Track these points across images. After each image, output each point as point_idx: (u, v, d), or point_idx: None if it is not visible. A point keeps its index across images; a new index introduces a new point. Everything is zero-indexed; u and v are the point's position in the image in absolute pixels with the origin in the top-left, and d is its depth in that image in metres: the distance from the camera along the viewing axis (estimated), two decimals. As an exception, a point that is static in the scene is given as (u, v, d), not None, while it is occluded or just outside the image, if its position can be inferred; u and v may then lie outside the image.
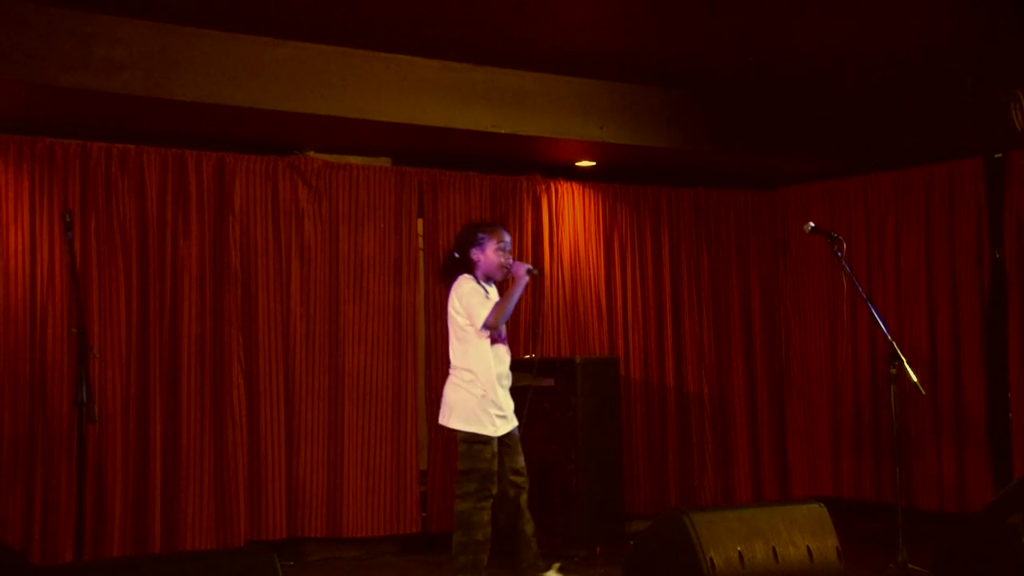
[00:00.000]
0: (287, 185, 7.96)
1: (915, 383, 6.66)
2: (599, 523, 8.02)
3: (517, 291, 6.40)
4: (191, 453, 7.52)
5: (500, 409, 6.47)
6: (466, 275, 6.51)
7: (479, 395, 6.43)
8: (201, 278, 7.64)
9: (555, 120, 8.11)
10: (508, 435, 6.52)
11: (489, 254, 6.51)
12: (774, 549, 5.52)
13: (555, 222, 8.86)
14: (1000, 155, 8.42)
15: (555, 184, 8.90)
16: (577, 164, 8.95)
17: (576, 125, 8.20)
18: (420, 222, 8.48)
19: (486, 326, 6.38)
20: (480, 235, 6.54)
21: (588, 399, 8.05)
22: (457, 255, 6.58)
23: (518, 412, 6.67)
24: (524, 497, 6.58)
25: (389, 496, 8.12)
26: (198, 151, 7.70)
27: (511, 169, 8.75)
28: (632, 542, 6.29)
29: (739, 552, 5.40)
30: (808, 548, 5.62)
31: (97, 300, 7.31)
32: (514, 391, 6.66)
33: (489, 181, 8.67)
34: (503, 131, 7.94)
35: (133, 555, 7.23)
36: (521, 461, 6.58)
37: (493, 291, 6.58)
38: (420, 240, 8.48)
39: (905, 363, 6.63)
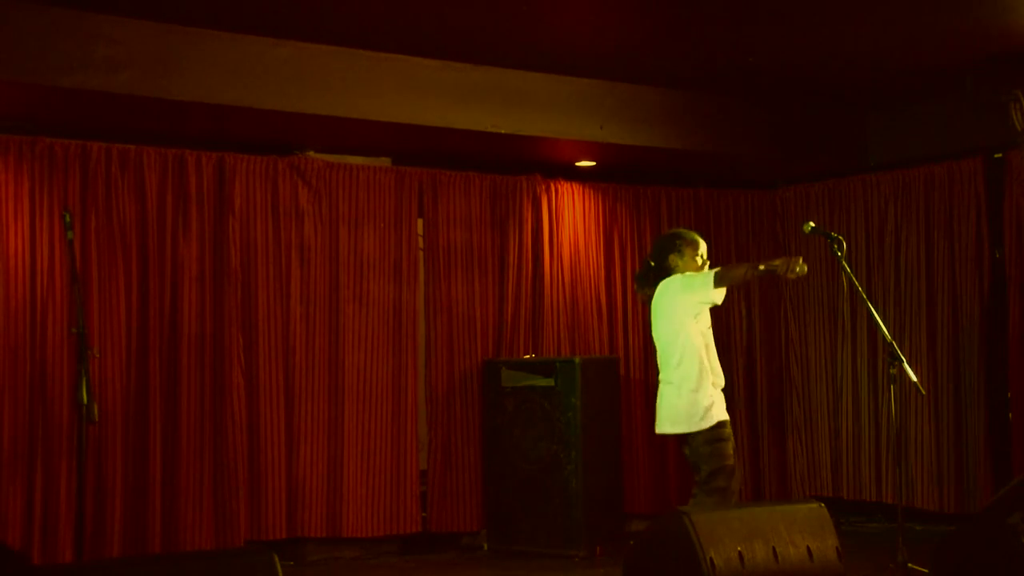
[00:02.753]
0: (287, 185, 7.96)
1: (915, 383, 6.65)
2: (599, 523, 8.02)
3: (752, 267, 6.31)
4: (191, 453, 7.52)
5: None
6: (670, 277, 6.47)
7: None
8: (201, 278, 7.64)
9: (555, 120, 8.12)
10: None
11: (688, 261, 6.47)
12: (774, 549, 5.51)
13: (555, 222, 8.85)
14: (1000, 155, 8.41)
15: (555, 184, 8.90)
16: (577, 164, 8.95)
17: (576, 125, 8.20)
18: (420, 222, 8.48)
19: (718, 283, 6.25)
20: (679, 241, 6.53)
21: (588, 399, 8.04)
22: (653, 263, 6.57)
23: None
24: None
25: (389, 496, 8.12)
26: (198, 151, 7.70)
27: (511, 169, 8.75)
28: (632, 542, 6.29)
29: (739, 552, 5.39)
30: (808, 548, 5.61)
31: (97, 300, 7.31)
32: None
33: (489, 181, 8.67)
34: (503, 131, 7.95)
35: (133, 555, 7.23)
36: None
37: None
38: (420, 240, 8.48)
39: (905, 363, 6.62)
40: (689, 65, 8.04)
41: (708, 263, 6.56)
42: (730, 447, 6.44)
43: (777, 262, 6.27)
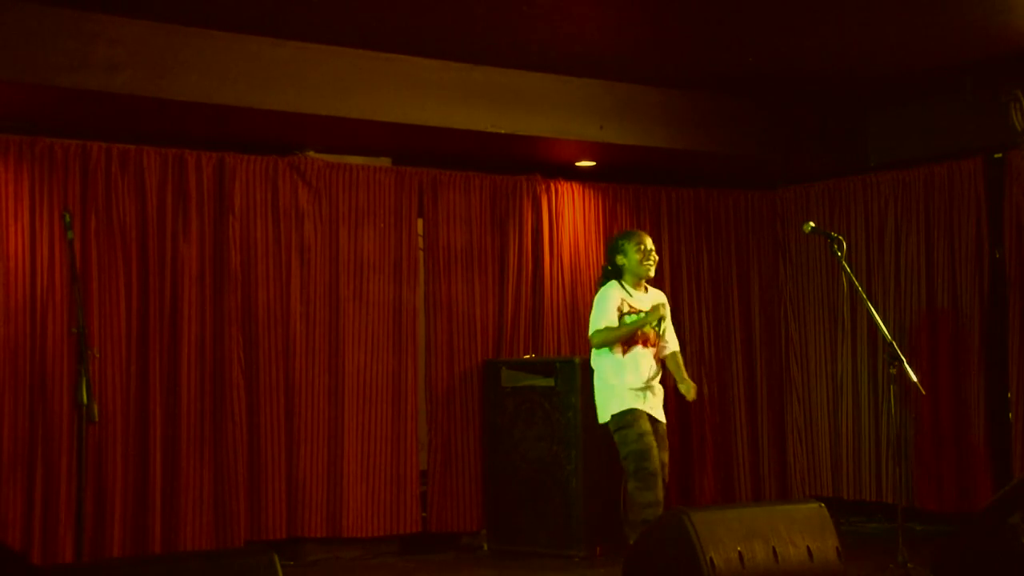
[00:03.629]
0: (287, 185, 7.96)
1: (915, 383, 6.65)
2: (599, 523, 8.01)
3: (633, 327, 6.88)
4: (191, 453, 7.52)
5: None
6: (611, 282, 7.02)
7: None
8: (201, 278, 7.64)
9: (555, 120, 8.11)
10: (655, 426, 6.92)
11: (631, 256, 6.98)
12: (774, 549, 5.51)
13: (555, 222, 8.85)
14: (1000, 155, 8.41)
15: (555, 184, 8.90)
16: (577, 164, 8.95)
17: (576, 125, 8.20)
18: (420, 222, 8.47)
19: (591, 340, 7.01)
20: (619, 242, 7.07)
21: (588, 399, 8.02)
22: (609, 267, 7.10)
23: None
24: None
25: (389, 496, 8.12)
26: (198, 151, 7.69)
27: (511, 169, 8.75)
28: (632, 542, 6.30)
29: (739, 552, 5.40)
30: (808, 548, 5.62)
31: (97, 300, 7.31)
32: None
33: (489, 181, 8.67)
34: (503, 131, 7.95)
35: (133, 555, 7.23)
36: (664, 456, 6.92)
37: (639, 296, 7.00)
38: (420, 240, 8.48)
39: (905, 363, 6.62)
40: (689, 65, 8.04)
41: (651, 250, 7.00)
42: (633, 433, 6.81)
43: (640, 319, 6.91)
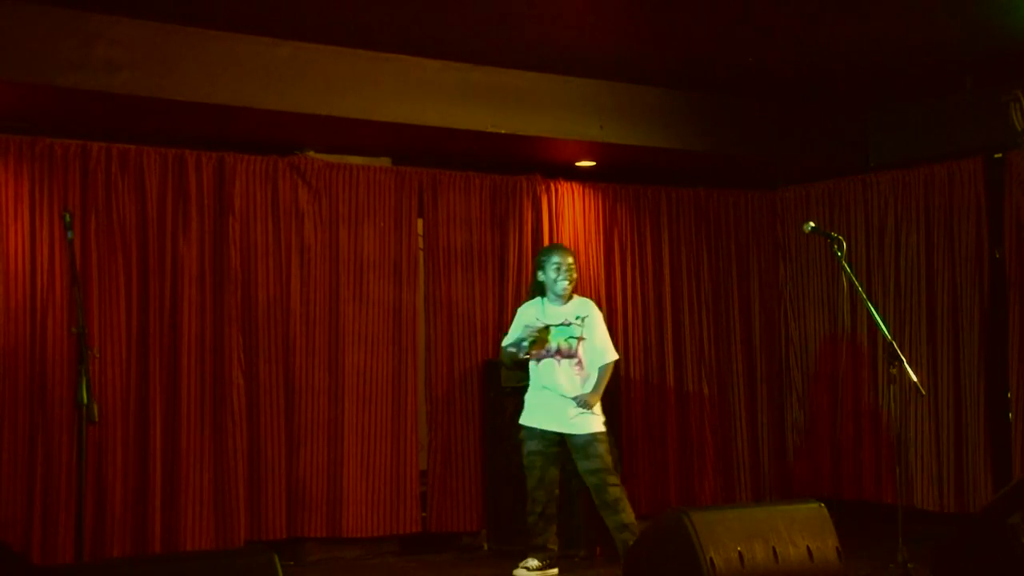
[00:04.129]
0: (287, 185, 7.96)
1: (915, 383, 6.66)
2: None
3: (514, 353, 7.22)
4: (191, 453, 7.52)
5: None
6: (535, 300, 7.36)
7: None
8: (201, 278, 7.64)
9: (555, 120, 8.12)
10: (570, 438, 7.21)
11: (550, 274, 7.28)
12: (774, 549, 5.52)
13: (555, 222, 8.85)
14: (1000, 155, 8.41)
15: (555, 184, 8.90)
16: (577, 164, 8.95)
17: (576, 125, 8.20)
18: (420, 222, 8.47)
19: (503, 354, 7.34)
20: (540, 259, 7.41)
21: (588, 399, 8.02)
22: (536, 280, 7.42)
23: None
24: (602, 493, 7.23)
25: (389, 496, 8.12)
26: (198, 151, 7.70)
27: (511, 169, 8.75)
28: (632, 542, 6.30)
29: (739, 552, 5.40)
30: (808, 548, 5.62)
31: (97, 300, 7.31)
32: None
33: (489, 181, 8.67)
34: (503, 131, 7.95)
35: (133, 555, 7.23)
36: (587, 464, 7.19)
37: (554, 309, 7.29)
38: (420, 240, 8.48)
39: (905, 363, 6.62)
40: (689, 65, 8.04)
41: (568, 269, 7.24)
42: (524, 449, 7.28)
43: (514, 345, 7.21)
